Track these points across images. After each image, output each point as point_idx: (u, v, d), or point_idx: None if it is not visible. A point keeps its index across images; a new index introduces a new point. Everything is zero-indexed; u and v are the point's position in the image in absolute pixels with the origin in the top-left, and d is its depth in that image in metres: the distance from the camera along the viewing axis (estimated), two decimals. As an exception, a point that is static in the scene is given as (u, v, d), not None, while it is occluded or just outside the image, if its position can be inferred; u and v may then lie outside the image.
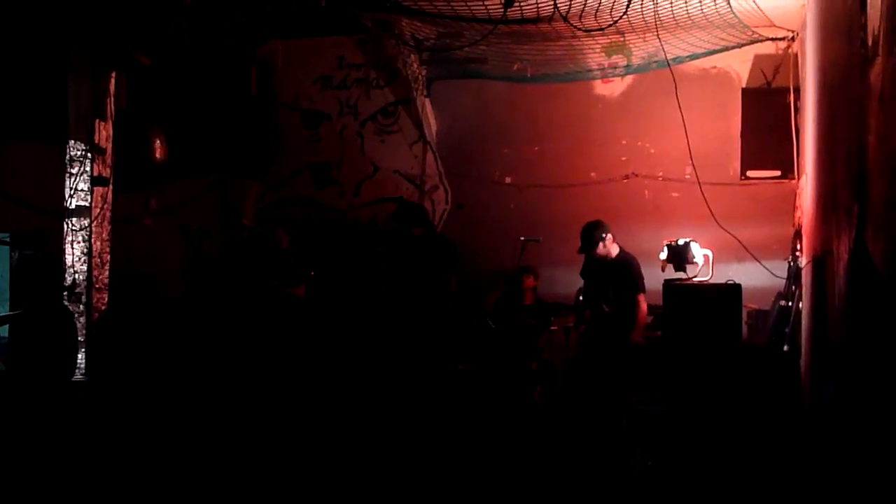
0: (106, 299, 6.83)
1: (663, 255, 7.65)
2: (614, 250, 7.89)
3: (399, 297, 9.16)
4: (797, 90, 8.23)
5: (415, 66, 10.22)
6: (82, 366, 6.51)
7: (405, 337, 8.71)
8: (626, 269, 7.82)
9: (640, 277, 7.78)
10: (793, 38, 8.56)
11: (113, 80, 6.93)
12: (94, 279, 6.69)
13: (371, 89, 10.68)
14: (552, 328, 8.67)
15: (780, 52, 8.89)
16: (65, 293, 6.61)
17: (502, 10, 6.89)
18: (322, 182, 10.80)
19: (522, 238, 8.51)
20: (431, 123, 10.54)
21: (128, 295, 7.32)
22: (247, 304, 8.06)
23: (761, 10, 7.57)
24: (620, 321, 7.74)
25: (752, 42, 8.64)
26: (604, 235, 7.79)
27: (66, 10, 6.39)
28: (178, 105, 8.76)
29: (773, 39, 8.71)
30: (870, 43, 3.47)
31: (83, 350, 6.55)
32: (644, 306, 7.74)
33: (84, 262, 6.63)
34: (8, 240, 6.91)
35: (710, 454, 6.26)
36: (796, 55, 8.46)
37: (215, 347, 7.58)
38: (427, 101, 10.48)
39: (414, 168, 10.56)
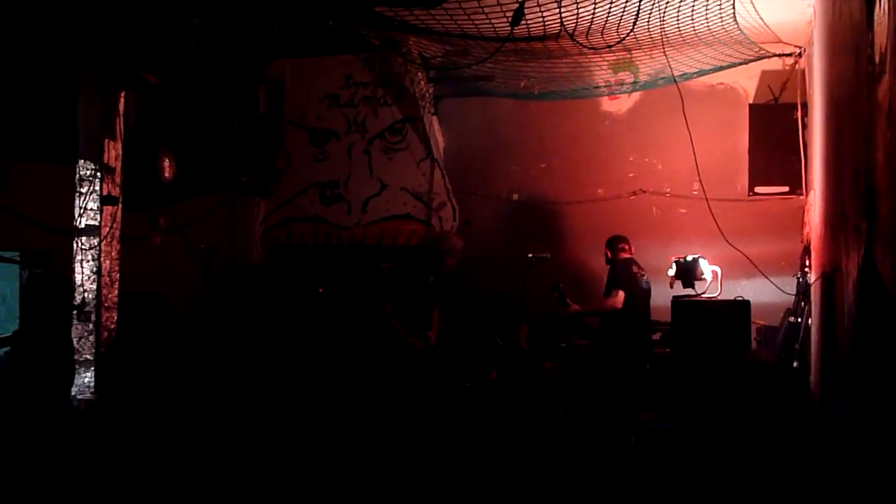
0: (115, 318, 6.85)
1: (672, 272, 7.65)
2: (621, 257, 8.08)
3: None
4: (804, 106, 8.23)
5: (422, 83, 10.25)
6: (91, 385, 6.52)
7: (412, 354, 8.70)
8: (611, 271, 8.02)
9: (617, 273, 7.88)
10: (800, 55, 8.57)
11: (122, 100, 6.97)
12: (103, 298, 6.71)
13: (378, 107, 10.70)
14: (562, 344, 8.64)
15: (787, 68, 8.89)
16: (74, 312, 6.62)
17: (509, 27, 6.92)
18: (330, 200, 10.82)
19: (531, 255, 8.50)
20: (439, 141, 10.56)
21: (137, 314, 7.34)
22: (260, 321, 8.10)
23: (768, 27, 7.58)
24: (609, 326, 7.84)
25: (759, 58, 8.65)
26: (614, 245, 8.09)
27: (75, 30, 6.44)
28: (186, 124, 8.80)
29: (779, 56, 8.71)
30: (877, 60, 3.47)
31: (92, 369, 6.56)
32: (612, 301, 7.77)
33: (93, 280, 6.66)
34: (17, 259, 6.93)
35: (720, 471, 6.23)
36: (803, 71, 8.46)
37: (225, 365, 7.60)
38: (434, 119, 10.51)
39: (422, 185, 10.57)
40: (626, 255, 8.05)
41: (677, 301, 7.39)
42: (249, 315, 8.37)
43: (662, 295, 7.95)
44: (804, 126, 8.20)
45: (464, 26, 7.57)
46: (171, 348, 7.53)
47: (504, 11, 6.85)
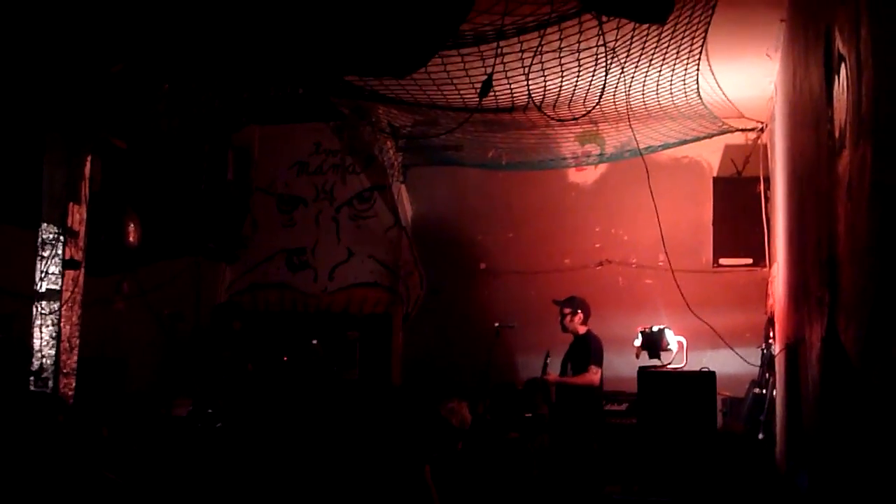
0: (73, 385, 6.70)
1: (637, 342, 7.66)
2: (581, 329, 8.00)
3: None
4: (767, 180, 8.37)
5: (391, 152, 10.31)
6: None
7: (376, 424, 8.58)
8: (585, 344, 8.03)
9: (597, 351, 7.90)
10: (762, 130, 8.74)
11: (88, 164, 6.93)
12: (61, 364, 6.57)
13: (347, 175, 10.74)
14: (527, 414, 8.58)
15: (750, 142, 9.05)
16: (31, 378, 6.48)
17: (477, 98, 6.99)
18: (296, 266, 10.77)
19: (497, 324, 8.48)
20: (407, 209, 10.59)
21: (97, 380, 7.20)
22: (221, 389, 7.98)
23: (731, 102, 7.74)
24: (569, 397, 7.82)
25: (723, 133, 8.81)
26: (577, 310, 8.10)
27: (42, 94, 6.42)
28: (153, 188, 8.76)
29: (742, 130, 8.88)
30: (837, 135, 3.53)
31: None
32: (593, 377, 7.77)
33: (52, 346, 6.53)
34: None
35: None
36: (765, 146, 8.61)
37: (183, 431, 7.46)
38: (403, 188, 10.55)
39: (389, 253, 10.56)
40: (586, 326, 8.12)
41: (643, 371, 7.39)
42: (212, 380, 8.24)
43: (628, 365, 7.94)
44: (767, 199, 8.33)
45: (433, 96, 7.64)
46: (130, 415, 7.38)
47: (472, 83, 6.93)
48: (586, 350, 7.96)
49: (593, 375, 7.82)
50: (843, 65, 3.35)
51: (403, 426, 8.16)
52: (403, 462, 7.72)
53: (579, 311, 8.11)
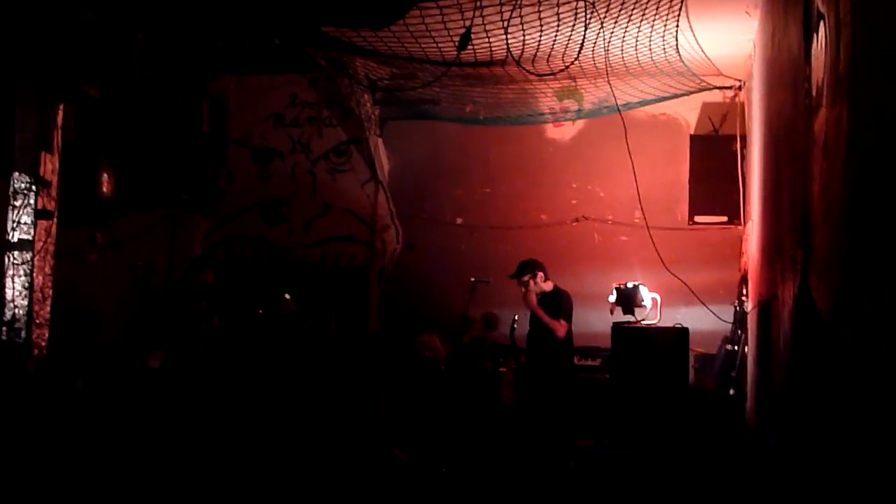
0: (46, 335, 6.67)
1: (612, 298, 7.70)
2: (548, 286, 8.01)
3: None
4: (744, 138, 8.39)
5: (368, 105, 10.23)
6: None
7: (354, 376, 8.62)
8: (556, 300, 7.99)
9: (567, 307, 7.90)
10: (740, 88, 8.74)
11: (61, 113, 6.82)
12: (34, 314, 6.53)
13: (324, 128, 10.67)
14: (501, 369, 8.65)
15: (728, 100, 9.06)
16: (3, 328, 6.43)
17: (456, 52, 6.94)
18: (272, 220, 10.73)
19: (473, 279, 8.50)
20: (384, 163, 10.55)
21: (70, 331, 7.16)
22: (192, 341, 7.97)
23: (709, 60, 7.72)
24: (547, 354, 7.86)
25: (701, 90, 8.80)
26: (535, 272, 7.99)
27: (13, 42, 6.30)
28: (127, 139, 8.64)
29: (720, 88, 8.89)
30: (814, 94, 3.54)
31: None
32: (560, 328, 7.80)
33: (25, 296, 6.47)
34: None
35: (658, 497, 6.25)
36: (743, 104, 8.63)
37: (158, 383, 7.45)
38: (380, 141, 10.50)
39: (365, 207, 10.54)
40: (552, 282, 8.09)
41: (617, 328, 7.44)
42: (185, 332, 8.22)
43: (602, 321, 7.99)
44: (743, 157, 8.36)
45: (411, 49, 7.58)
46: (103, 366, 7.36)
47: (451, 36, 6.88)
48: (557, 304, 7.96)
49: (561, 328, 7.83)
50: (822, 23, 3.34)
51: (368, 363, 8.23)
52: (360, 395, 7.80)
53: (538, 271, 8.05)
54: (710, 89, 8.82)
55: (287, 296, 8.72)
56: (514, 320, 8.29)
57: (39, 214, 6.56)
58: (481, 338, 9.10)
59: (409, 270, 10.28)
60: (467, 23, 6.38)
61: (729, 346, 7.97)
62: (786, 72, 4.79)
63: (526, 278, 8.02)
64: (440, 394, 7.90)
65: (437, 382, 7.94)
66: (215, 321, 8.42)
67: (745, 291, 7.90)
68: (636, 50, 7.44)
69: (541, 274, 8.03)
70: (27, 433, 5.86)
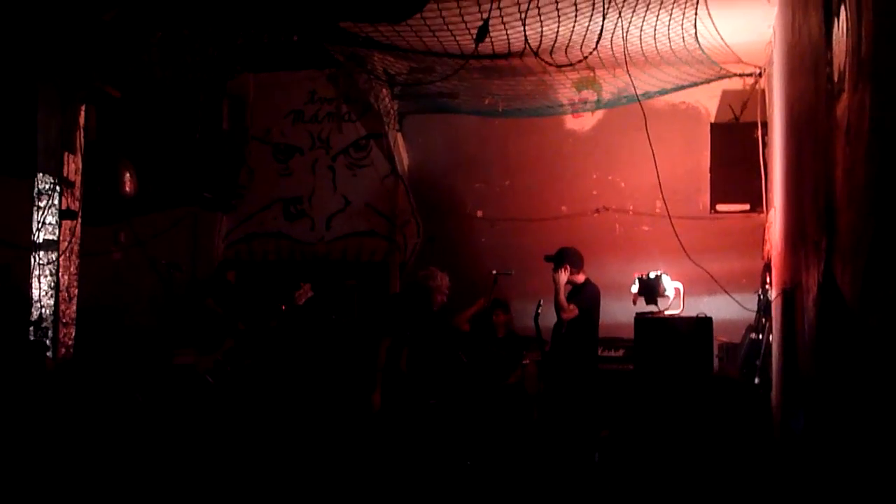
0: (73, 334, 6.74)
1: (635, 289, 7.68)
2: (579, 279, 7.98)
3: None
4: (765, 125, 8.33)
5: (387, 100, 10.24)
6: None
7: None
8: (580, 291, 7.93)
9: (586, 297, 7.80)
10: (760, 74, 8.68)
11: (83, 113, 6.89)
12: (60, 314, 6.60)
13: (343, 123, 10.69)
14: (524, 361, 8.65)
15: (748, 87, 9.00)
16: (31, 328, 6.50)
17: (473, 44, 6.94)
18: (293, 216, 10.77)
19: (494, 272, 8.49)
20: (403, 157, 10.55)
21: (94, 329, 7.23)
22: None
23: (728, 47, 7.68)
24: (573, 345, 7.83)
25: (720, 78, 8.75)
26: (568, 266, 7.88)
27: (35, 42, 6.35)
28: (148, 138, 8.72)
29: (740, 75, 8.83)
30: (836, 78, 3.51)
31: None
32: (566, 312, 7.73)
33: (51, 296, 6.54)
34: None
35: (683, 487, 6.24)
36: (763, 91, 8.57)
37: (183, 380, 7.51)
38: (399, 136, 10.50)
39: (385, 202, 10.56)
40: (585, 276, 8.03)
41: (640, 318, 7.42)
42: (210, 331, 8.28)
43: (625, 312, 7.98)
44: (764, 144, 8.30)
45: (428, 43, 7.58)
46: (128, 364, 7.43)
47: (469, 28, 6.87)
48: (578, 295, 7.92)
49: (568, 310, 7.73)
50: (842, 7, 3.32)
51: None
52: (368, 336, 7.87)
53: (564, 265, 7.98)
54: (730, 77, 8.76)
55: (304, 284, 8.73)
56: (538, 305, 8.16)
57: (64, 215, 6.63)
58: (512, 331, 9.03)
59: (431, 264, 10.28)
60: (485, 15, 6.38)
61: (753, 335, 7.92)
62: (806, 57, 4.76)
63: (554, 271, 7.98)
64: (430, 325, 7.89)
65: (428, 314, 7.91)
66: (240, 326, 8.47)
67: (768, 279, 7.86)
68: (655, 39, 7.40)
69: (567, 268, 7.99)
70: (53, 430, 5.92)
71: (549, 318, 8.10)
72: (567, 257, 7.98)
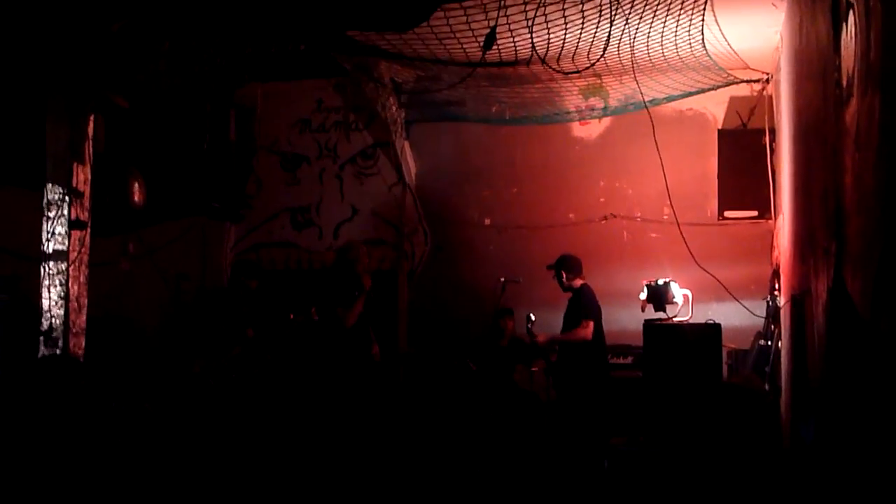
0: (83, 344, 6.74)
1: (643, 296, 7.67)
2: (576, 283, 8.21)
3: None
4: (772, 131, 8.32)
5: (394, 108, 10.25)
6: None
7: (385, 378, 8.66)
8: (577, 298, 8.12)
9: (587, 305, 7.93)
10: (767, 80, 8.67)
11: (91, 124, 6.90)
12: (70, 324, 6.60)
13: (350, 132, 10.71)
14: (533, 369, 8.66)
15: (755, 94, 8.99)
16: (41, 338, 6.51)
17: (480, 53, 6.95)
18: (301, 225, 10.79)
19: (503, 279, 8.51)
20: (411, 166, 10.56)
21: (103, 339, 7.24)
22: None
23: (736, 53, 7.67)
24: (584, 353, 7.89)
25: (728, 84, 8.74)
26: (564, 272, 8.21)
27: (42, 53, 6.38)
28: (157, 148, 8.74)
29: (747, 82, 8.81)
30: (844, 84, 3.51)
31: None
32: (584, 332, 7.85)
33: (61, 306, 6.54)
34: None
35: (692, 495, 6.22)
36: (771, 97, 8.55)
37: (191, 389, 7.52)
38: (406, 144, 10.51)
39: (393, 210, 10.57)
40: (583, 281, 8.17)
41: (649, 325, 7.40)
42: (219, 339, 8.28)
43: (634, 319, 7.97)
44: (772, 151, 8.28)
45: (435, 51, 7.59)
46: (138, 373, 7.44)
47: (476, 36, 6.88)
48: (577, 304, 8.06)
49: (584, 330, 7.89)
50: (851, 12, 3.31)
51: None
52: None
53: (561, 271, 8.21)
54: (737, 83, 8.75)
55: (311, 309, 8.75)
56: (528, 319, 8.28)
57: (73, 225, 6.63)
58: (518, 339, 9.04)
59: (438, 272, 10.29)
60: (492, 23, 6.38)
61: (762, 342, 7.90)
62: (814, 63, 4.75)
63: (557, 277, 8.15)
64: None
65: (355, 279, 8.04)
66: (249, 333, 8.46)
67: (777, 286, 7.84)
68: (662, 46, 7.40)
69: (564, 274, 8.16)
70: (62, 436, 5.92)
71: (542, 327, 8.22)
72: (564, 263, 8.19)
